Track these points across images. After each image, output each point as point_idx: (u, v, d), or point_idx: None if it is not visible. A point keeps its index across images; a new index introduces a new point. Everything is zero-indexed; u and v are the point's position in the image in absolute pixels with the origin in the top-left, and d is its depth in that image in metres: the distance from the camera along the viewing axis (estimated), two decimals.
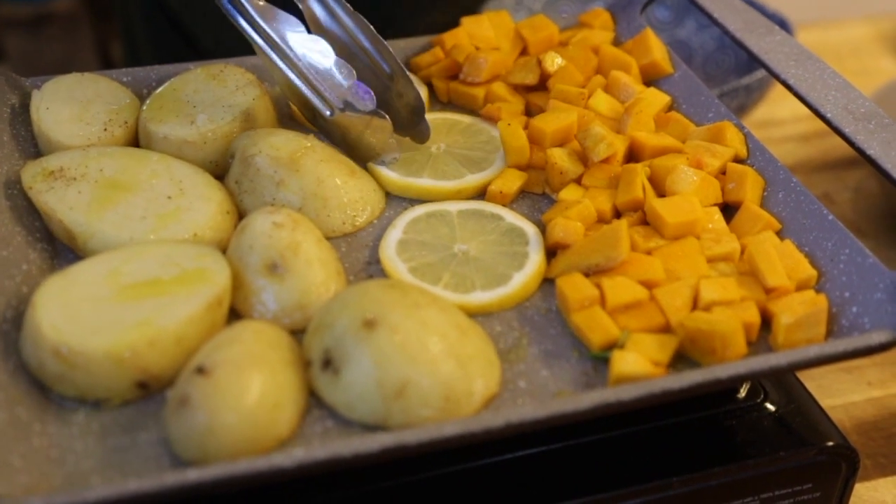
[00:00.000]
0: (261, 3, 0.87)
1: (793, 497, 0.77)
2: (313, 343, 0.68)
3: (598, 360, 0.73)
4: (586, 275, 0.77)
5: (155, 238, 0.76)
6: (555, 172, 0.85)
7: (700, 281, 0.74)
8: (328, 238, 0.82)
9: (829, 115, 0.83)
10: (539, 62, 0.94)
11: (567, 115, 0.88)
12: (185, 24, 1.35)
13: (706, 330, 0.71)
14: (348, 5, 0.91)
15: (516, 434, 0.65)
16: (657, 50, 0.97)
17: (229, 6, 0.86)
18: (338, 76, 0.87)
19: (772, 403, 0.79)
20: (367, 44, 0.91)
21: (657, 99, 0.92)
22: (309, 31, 0.89)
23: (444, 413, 0.65)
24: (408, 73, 0.90)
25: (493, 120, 0.93)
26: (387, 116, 0.86)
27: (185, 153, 0.85)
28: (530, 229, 0.82)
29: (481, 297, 0.76)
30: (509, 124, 0.88)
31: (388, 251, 0.79)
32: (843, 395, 0.99)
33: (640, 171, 0.83)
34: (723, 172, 0.85)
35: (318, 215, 0.81)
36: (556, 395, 0.70)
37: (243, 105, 0.88)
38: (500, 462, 0.73)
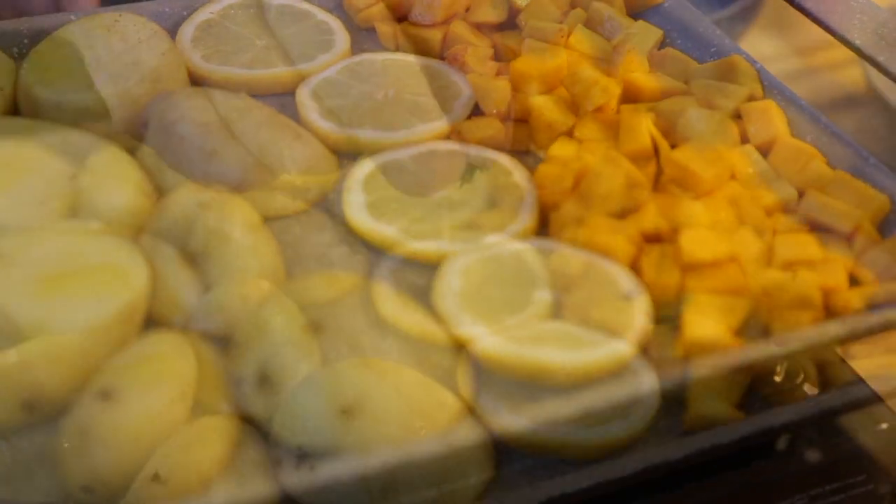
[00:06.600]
0: None
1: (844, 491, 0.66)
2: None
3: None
4: None
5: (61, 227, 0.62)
6: (541, 125, 0.71)
7: (776, 237, 0.63)
8: (274, 219, 0.66)
9: (858, 43, 0.71)
10: None
11: (553, 55, 0.74)
12: None
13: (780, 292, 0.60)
14: None
15: None
16: None
17: None
18: None
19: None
20: None
21: (649, 34, 0.78)
22: None
23: None
24: None
25: (457, 66, 0.78)
26: None
27: (86, 122, 0.69)
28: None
29: None
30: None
31: (363, 221, 0.66)
32: None
33: (645, 113, 0.69)
34: (738, 116, 0.72)
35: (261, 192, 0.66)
36: None
37: (151, 62, 0.73)
38: None
